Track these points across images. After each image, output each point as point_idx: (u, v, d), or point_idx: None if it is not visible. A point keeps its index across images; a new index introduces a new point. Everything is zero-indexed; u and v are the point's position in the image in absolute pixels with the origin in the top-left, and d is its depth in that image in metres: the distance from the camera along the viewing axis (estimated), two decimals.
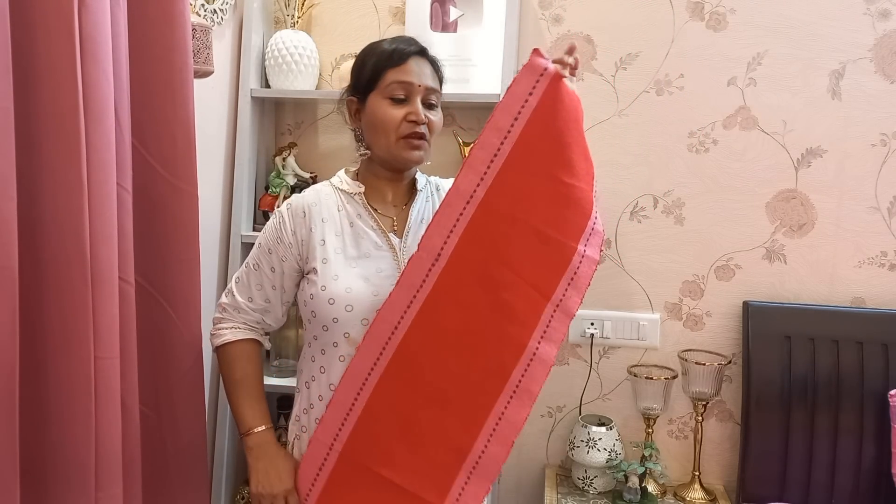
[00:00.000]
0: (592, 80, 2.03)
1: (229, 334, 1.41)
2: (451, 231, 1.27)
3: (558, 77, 1.28)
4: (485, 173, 1.27)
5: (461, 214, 1.27)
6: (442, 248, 1.27)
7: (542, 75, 1.27)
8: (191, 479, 1.49)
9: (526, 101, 1.27)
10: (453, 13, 2.01)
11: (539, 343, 1.31)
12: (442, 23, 2.01)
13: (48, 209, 1.09)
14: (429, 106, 1.35)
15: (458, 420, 1.29)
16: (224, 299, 1.44)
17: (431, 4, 2.00)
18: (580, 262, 1.31)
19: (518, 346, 1.30)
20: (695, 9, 1.97)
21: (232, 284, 1.43)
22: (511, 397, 1.30)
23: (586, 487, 1.95)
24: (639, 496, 1.86)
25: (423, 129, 1.33)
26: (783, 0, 1.93)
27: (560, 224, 1.30)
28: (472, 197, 1.27)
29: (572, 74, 1.32)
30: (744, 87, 1.97)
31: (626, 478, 1.88)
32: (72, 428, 1.12)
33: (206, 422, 1.53)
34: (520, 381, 1.30)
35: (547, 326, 1.32)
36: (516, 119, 1.27)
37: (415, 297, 1.27)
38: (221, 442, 1.96)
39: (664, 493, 1.96)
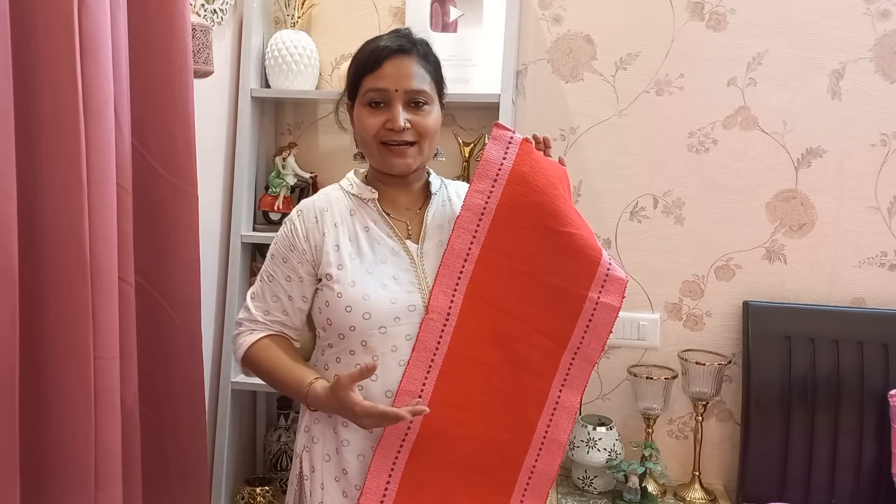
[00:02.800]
0: (592, 80, 2.03)
1: (249, 338, 1.33)
2: (455, 289, 1.29)
3: (526, 141, 1.33)
4: (476, 231, 1.30)
5: (461, 272, 1.29)
6: (450, 308, 1.28)
7: (510, 142, 1.32)
8: (191, 479, 1.49)
9: (501, 164, 1.31)
10: (453, 13, 2.01)
11: (560, 391, 1.33)
12: (442, 23, 2.01)
13: (48, 209, 1.10)
14: (416, 106, 1.28)
15: (491, 481, 1.31)
16: (241, 315, 1.36)
17: (431, 4, 2.01)
18: (594, 309, 1.31)
19: (540, 396, 1.32)
20: (695, 9, 1.97)
21: (248, 299, 1.36)
22: (540, 449, 1.32)
23: (586, 487, 1.95)
24: (639, 496, 1.86)
25: (405, 134, 1.26)
26: (783, 0, 1.93)
27: (563, 273, 1.30)
28: (468, 255, 1.29)
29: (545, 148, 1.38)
30: (744, 87, 1.97)
31: (626, 478, 1.88)
32: (72, 428, 1.12)
33: (206, 422, 1.53)
34: (546, 432, 1.32)
35: (567, 374, 1.33)
36: (495, 181, 1.31)
37: (433, 360, 1.27)
38: (221, 442, 1.96)
39: (664, 493, 1.96)
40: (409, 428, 1.26)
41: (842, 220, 1.95)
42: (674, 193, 2.02)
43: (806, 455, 1.85)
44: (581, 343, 1.32)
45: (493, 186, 1.30)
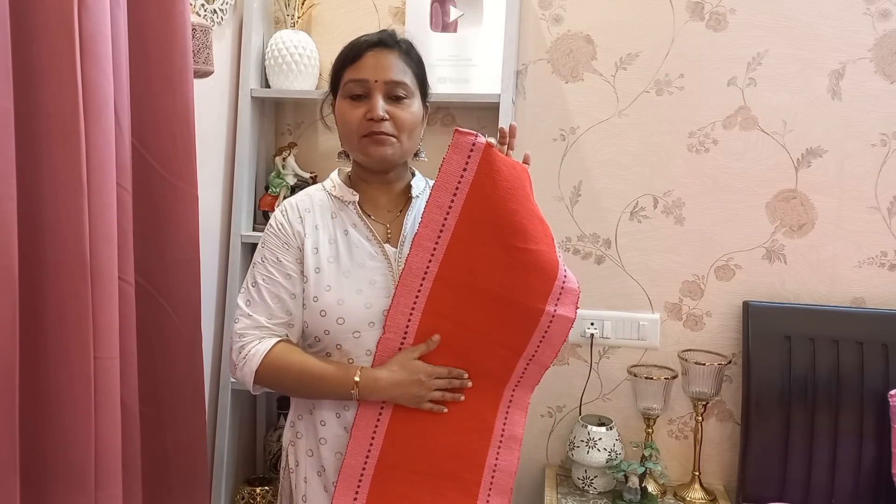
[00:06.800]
0: (592, 80, 2.03)
1: (260, 347, 1.27)
2: (413, 308, 1.28)
3: (489, 147, 1.26)
4: (434, 249, 1.28)
5: (419, 291, 1.29)
6: (407, 327, 1.29)
7: (472, 150, 1.26)
8: (191, 479, 1.49)
9: (461, 176, 1.27)
10: (453, 13, 2.01)
11: (514, 392, 1.37)
12: (442, 23, 2.01)
13: (48, 209, 1.09)
14: (395, 98, 1.28)
15: (457, 486, 1.33)
16: (240, 326, 1.30)
17: (431, 4, 2.00)
18: (550, 321, 1.32)
19: (494, 398, 1.36)
20: (695, 9, 1.97)
21: (243, 308, 1.31)
22: (500, 448, 1.36)
23: (586, 487, 1.95)
24: (639, 496, 1.86)
25: (385, 126, 1.27)
26: (783, 0, 1.93)
27: (522, 289, 1.30)
28: (426, 273, 1.28)
29: (508, 144, 1.31)
30: (744, 87, 1.97)
31: (626, 478, 1.88)
32: (72, 428, 1.12)
33: (206, 422, 1.53)
34: (503, 430, 1.36)
35: (521, 377, 1.37)
36: (455, 195, 1.27)
37: None
38: (221, 442, 1.96)
39: (664, 493, 1.96)
40: (371, 444, 1.28)
41: (842, 220, 1.95)
42: (674, 193, 2.02)
43: (806, 455, 1.85)
44: (536, 351, 1.34)
45: (452, 200, 1.28)
